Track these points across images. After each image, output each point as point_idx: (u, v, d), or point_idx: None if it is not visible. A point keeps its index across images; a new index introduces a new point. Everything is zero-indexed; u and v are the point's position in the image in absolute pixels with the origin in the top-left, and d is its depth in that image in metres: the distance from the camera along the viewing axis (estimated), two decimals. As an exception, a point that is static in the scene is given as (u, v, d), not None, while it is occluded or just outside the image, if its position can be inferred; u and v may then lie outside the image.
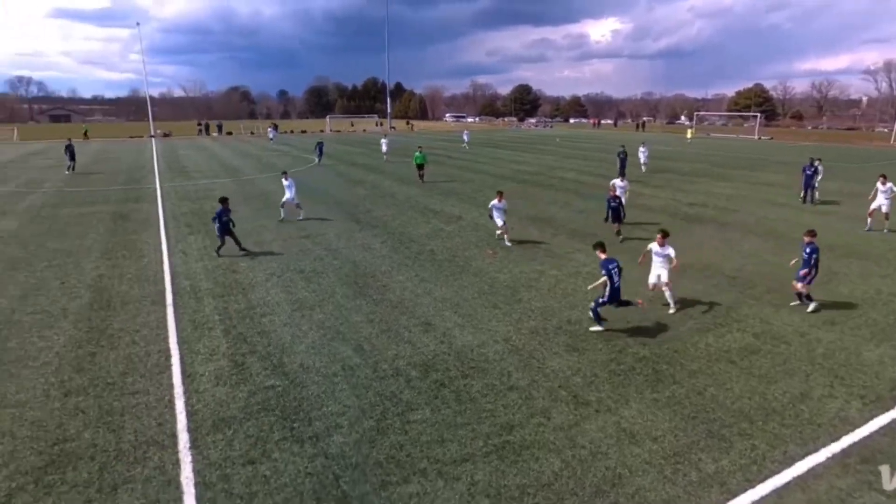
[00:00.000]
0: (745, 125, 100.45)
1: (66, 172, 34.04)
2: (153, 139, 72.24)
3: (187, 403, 7.79)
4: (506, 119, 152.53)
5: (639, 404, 7.73)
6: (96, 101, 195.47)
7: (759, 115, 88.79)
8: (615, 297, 9.92)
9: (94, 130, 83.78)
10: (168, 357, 9.20)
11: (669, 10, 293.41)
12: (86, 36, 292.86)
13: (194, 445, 6.84)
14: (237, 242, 15.55)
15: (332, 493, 6.01)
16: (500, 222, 16.34)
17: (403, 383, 8.33)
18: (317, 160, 40.34)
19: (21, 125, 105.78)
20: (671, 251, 10.98)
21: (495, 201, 16.40)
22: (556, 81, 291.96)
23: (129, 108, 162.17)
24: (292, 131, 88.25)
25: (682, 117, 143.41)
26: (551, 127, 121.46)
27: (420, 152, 30.08)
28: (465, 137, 57.37)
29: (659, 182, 29.59)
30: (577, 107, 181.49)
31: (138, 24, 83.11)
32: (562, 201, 23.69)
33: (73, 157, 34.86)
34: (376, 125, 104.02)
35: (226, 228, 15.27)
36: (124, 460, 6.56)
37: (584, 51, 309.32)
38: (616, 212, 17.07)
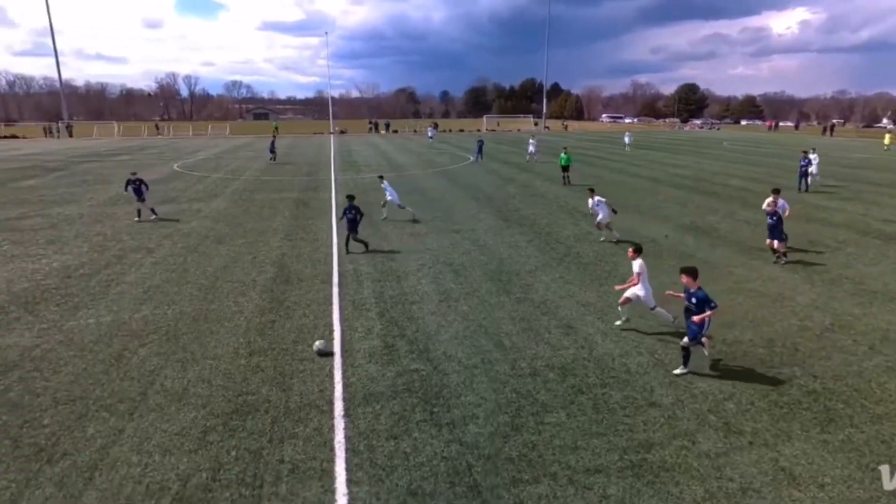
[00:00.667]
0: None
1: (270, 161, 41.11)
2: (332, 136, 79.43)
3: (344, 375, 8.48)
4: (667, 120, 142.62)
5: (803, 443, 6.79)
6: (289, 101, 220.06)
7: None
8: (692, 336, 8.32)
9: (285, 128, 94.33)
10: (331, 331, 10.08)
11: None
12: (284, 45, 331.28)
13: (347, 414, 7.43)
14: (352, 237, 15.30)
15: (464, 480, 6.15)
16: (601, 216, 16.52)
17: (540, 384, 8.23)
18: (473, 158, 41.25)
19: (231, 122, 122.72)
20: (635, 267, 9.86)
21: (596, 198, 16.63)
22: (727, 80, 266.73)
23: (314, 108, 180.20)
24: (451, 130, 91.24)
25: (885, 120, 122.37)
26: (718, 129, 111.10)
27: (565, 153, 29.18)
28: (627, 140, 53.26)
29: (847, 194, 25.60)
30: (750, 107, 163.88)
31: (326, 33, 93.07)
32: (724, 210, 21.57)
33: (273, 150, 42.50)
34: (535, 125, 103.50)
35: (353, 224, 15.27)
36: (291, 418, 7.33)
37: (763, 45, 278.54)
38: (773, 229, 14.50)
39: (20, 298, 11.82)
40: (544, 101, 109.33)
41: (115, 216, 20.73)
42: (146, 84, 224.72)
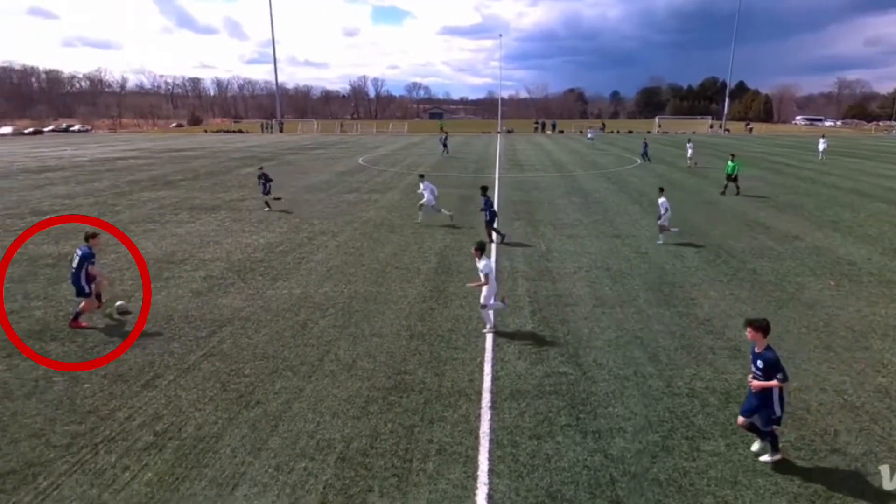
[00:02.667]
0: None
1: (443, 154, 46.26)
2: (499, 135, 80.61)
3: (493, 368, 8.58)
4: (880, 123, 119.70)
5: None
6: (461, 101, 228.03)
7: None
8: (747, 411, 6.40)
9: (455, 126, 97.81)
10: (484, 325, 10.26)
11: None
12: (461, 48, 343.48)
13: (493, 407, 7.51)
14: (491, 230, 16.25)
15: (605, 493, 5.85)
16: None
17: (699, 406, 7.50)
18: (639, 160, 38.91)
19: (409, 121, 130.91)
20: (480, 267, 9.52)
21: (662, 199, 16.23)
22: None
23: (483, 108, 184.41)
24: (618, 131, 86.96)
25: None
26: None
27: (733, 160, 25.44)
28: (822, 146, 44.09)
29: None
30: None
31: (500, 35, 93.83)
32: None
33: (445, 145, 48.62)
34: (710, 127, 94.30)
35: (489, 217, 16.28)
36: (441, 402, 7.63)
37: None
38: None
39: (235, 267, 13.92)
40: (726, 100, 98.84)
41: (309, 202, 23.38)
42: (341, 86, 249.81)
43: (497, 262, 14.31)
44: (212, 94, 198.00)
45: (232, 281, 12.80)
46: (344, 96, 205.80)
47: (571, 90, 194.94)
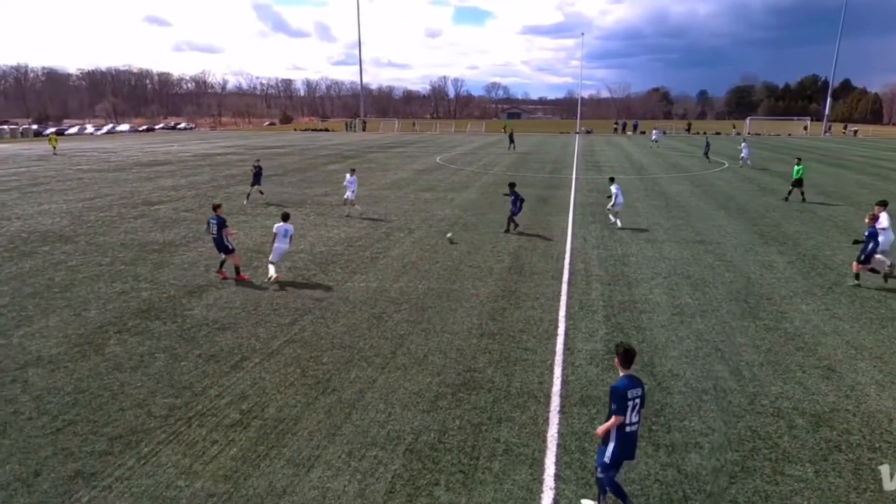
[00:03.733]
0: None
1: (510, 150, 49.89)
2: (577, 135, 78.71)
3: (563, 372, 8.40)
4: None
5: None
6: (540, 101, 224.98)
7: None
8: (625, 454, 5.27)
9: (534, 126, 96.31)
10: (556, 327, 10.07)
11: None
12: (541, 47, 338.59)
13: (562, 411, 7.35)
14: (511, 222, 17.26)
15: (678, 511, 5.57)
16: None
17: (784, 428, 6.95)
18: (733, 161, 36.72)
19: (487, 121, 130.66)
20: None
21: None
22: None
23: (563, 108, 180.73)
24: (704, 132, 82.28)
25: None
26: None
27: (799, 164, 23.25)
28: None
29: None
30: None
31: (582, 34, 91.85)
32: None
33: (512, 141, 52.85)
34: (804, 129, 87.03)
35: (518, 208, 17.17)
36: (510, 402, 7.57)
37: None
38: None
39: (317, 259, 14.53)
40: (828, 100, 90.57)
41: (388, 199, 23.96)
42: (422, 86, 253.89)
43: (571, 263, 13.99)
44: (302, 94, 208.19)
45: (314, 273, 13.37)
46: (424, 96, 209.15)
47: (655, 90, 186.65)
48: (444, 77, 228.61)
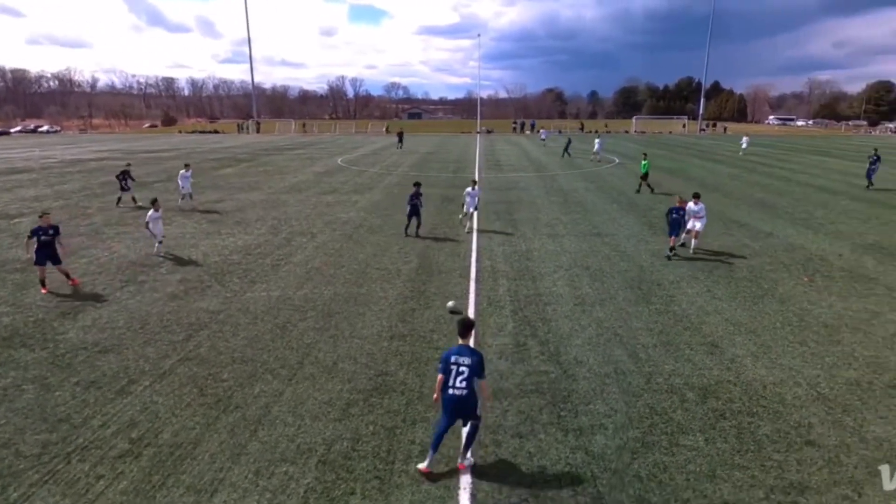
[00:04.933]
0: None
1: (397, 149, 52.04)
2: (478, 135, 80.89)
3: (475, 368, 8.59)
4: (850, 123, 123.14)
5: None
6: (440, 101, 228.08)
7: None
8: (445, 412, 6.07)
9: (436, 127, 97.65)
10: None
11: None
12: (438, 47, 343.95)
13: (476, 406, 7.52)
14: (417, 226, 17.16)
15: (587, 490, 5.91)
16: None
17: (677, 402, 7.63)
18: (616, 159, 39.59)
19: (389, 121, 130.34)
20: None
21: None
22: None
23: (463, 108, 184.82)
24: (597, 131, 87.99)
25: None
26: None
27: (645, 159, 26.10)
28: (744, 144, 49.99)
29: None
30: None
31: (479, 35, 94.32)
32: (920, 229, 18.12)
33: (401, 140, 54.87)
34: (683, 127, 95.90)
35: (415, 210, 16.97)
36: (424, 402, 7.61)
37: None
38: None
39: (212, 270, 13.70)
40: (702, 101, 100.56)
41: (288, 203, 23.14)
42: (319, 86, 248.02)
43: (477, 261, 14.35)
44: (186, 93, 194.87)
45: (209, 284, 12.60)
46: (322, 96, 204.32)
47: (550, 90, 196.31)
48: (342, 77, 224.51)
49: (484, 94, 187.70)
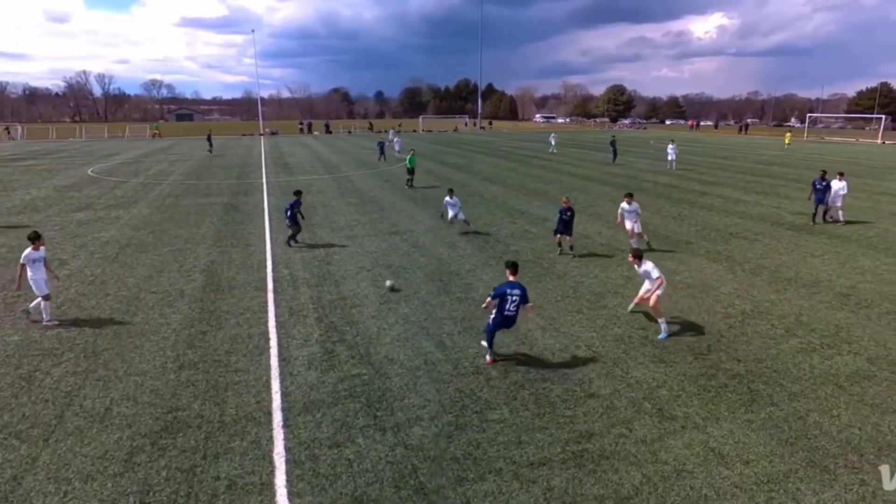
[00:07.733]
0: (868, 128, 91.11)
1: (208, 153, 48.63)
2: (262, 137, 77.12)
3: (282, 385, 8.25)
4: (597, 120, 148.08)
5: (730, 424, 7.25)
6: (215, 101, 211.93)
7: (883, 117, 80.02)
8: (505, 324, 8.89)
9: (213, 129, 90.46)
10: (267, 340, 9.79)
11: (784, 3, 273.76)
12: (206, 42, 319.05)
13: (286, 425, 7.24)
14: (293, 235, 16.32)
15: (409, 483, 6.14)
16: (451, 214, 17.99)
17: (483, 382, 8.35)
18: (382, 158, 41.33)
19: (152, 123, 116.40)
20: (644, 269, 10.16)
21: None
22: (653, 81, 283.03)
23: (242, 108, 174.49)
24: (386, 130, 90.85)
25: (793, 119, 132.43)
26: (645, 128, 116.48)
27: (412, 154, 28.83)
28: (553, 141, 52.50)
29: (761, 188, 27.56)
30: (675, 108, 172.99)
31: (253, 30, 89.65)
32: (652, 206, 22.63)
33: (210, 143, 51.02)
34: (465, 125, 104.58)
35: (294, 219, 16.18)
36: (226, 432, 7.06)
37: (684, 49, 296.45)
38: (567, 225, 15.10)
39: (-90, 320, 10.73)
40: (479, 101, 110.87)
41: (22, 225, 19.21)
42: (53, 83, 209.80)
43: (274, 271, 13.75)
44: None
45: None
46: (59, 95, 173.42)
47: (336, 90, 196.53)
48: (85, 72, 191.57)
49: (265, 93, 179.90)
